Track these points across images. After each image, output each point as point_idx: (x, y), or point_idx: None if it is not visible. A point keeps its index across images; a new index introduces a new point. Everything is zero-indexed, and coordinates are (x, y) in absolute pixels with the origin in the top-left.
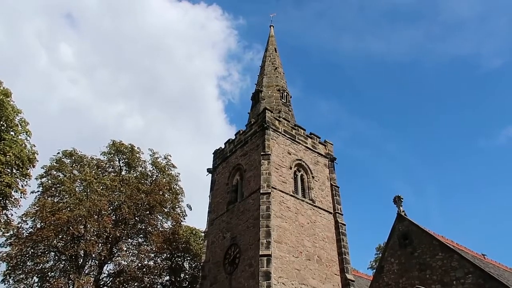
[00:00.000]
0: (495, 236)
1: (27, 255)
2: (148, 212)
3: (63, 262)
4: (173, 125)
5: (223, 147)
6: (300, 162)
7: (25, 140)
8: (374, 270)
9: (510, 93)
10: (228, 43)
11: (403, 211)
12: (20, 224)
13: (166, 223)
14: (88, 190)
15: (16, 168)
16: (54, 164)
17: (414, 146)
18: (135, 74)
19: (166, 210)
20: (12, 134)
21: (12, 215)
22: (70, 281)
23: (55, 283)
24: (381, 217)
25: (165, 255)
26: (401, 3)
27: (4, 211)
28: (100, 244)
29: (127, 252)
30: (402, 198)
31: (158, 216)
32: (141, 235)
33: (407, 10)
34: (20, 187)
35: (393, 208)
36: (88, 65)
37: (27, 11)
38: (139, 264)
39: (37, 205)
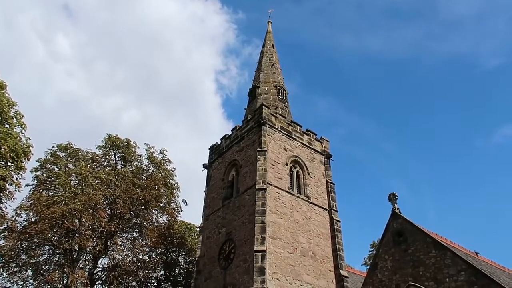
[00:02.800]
0: (488, 234)
1: (21, 248)
2: (143, 207)
3: (58, 255)
4: (170, 120)
5: (219, 142)
6: (296, 158)
7: (20, 133)
8: (368, 267)
9: (507, 92)
10: (226, 37)
11: (397, 209)
12: (14, 217)
13: (162, 218)
14: (83, 184)
15: (11, 161)
16: (49, 157)
17: (410, 144)
18: (132, 67)
19: (161, 205)
20: (7, 127)
21: (6, 208)
22: (64, 275)
23: (49, 276)
24: (376, 214)
25: (160, 249)
26: (400, 1)
27: None
28: (94, 238)
29: (122, 247)
30: (397, 196)
31: (154, 210)
32: (136, 230)
33: (406, 8)
34: (15, 180)
35: (388, 206)
36: (85, 57)
37: (23, 2)
38: (134, 259)
39: (31, 198)
